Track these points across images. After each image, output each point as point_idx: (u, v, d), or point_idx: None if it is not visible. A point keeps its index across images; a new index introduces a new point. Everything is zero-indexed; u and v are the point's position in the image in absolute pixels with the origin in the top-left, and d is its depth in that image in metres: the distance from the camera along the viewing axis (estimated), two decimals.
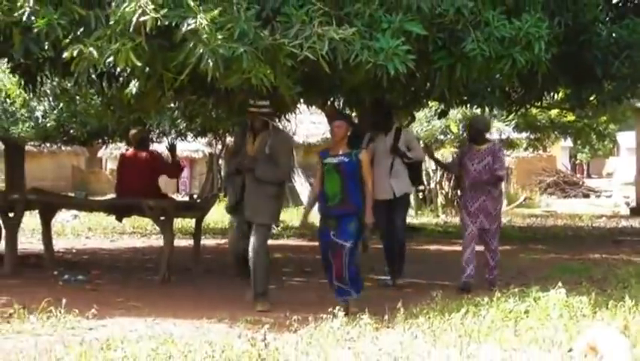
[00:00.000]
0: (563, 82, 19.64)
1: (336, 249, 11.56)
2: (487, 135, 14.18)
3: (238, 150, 12.51)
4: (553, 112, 32.42)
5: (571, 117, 33.41)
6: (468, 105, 26.24)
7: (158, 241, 17.38)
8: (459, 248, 21.08)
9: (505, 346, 8.80)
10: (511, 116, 31.21)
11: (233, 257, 13.00)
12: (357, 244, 12.05)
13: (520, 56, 12.54)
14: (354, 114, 25.90)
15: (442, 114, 29.57)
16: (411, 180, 14.82)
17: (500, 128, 36.34)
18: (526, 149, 40.30)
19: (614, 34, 16.61)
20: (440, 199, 34.84)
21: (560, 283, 10.66)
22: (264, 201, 11.92)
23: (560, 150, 52.86)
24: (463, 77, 13.39)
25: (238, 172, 12.20)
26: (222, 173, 37.85)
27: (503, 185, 14.23)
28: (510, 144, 38.78)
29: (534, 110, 30.28)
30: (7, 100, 31.21)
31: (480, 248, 13.84)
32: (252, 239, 11.94)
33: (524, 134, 37.54)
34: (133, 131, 17.44)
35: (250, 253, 12.01)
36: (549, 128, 36.27)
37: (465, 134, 36.30)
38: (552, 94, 22.89)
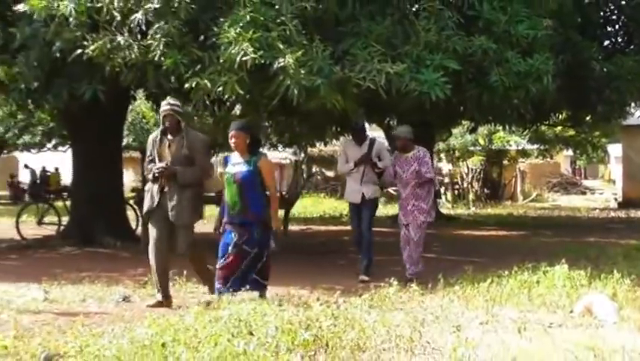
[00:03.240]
0: (565, 105, 19.73)
1: (240, 253, 9.39)
2: (413, 143, 12.04)
3: (153, 154, 9.87)
4: (558, 128, 32.31)
5: (571, 133, 33.32)
6: (492, 123, 26.27)
7: None
8: (486, 233, 21.13)
9: (521, 308, 8.72)
10: (525, 132, 31.11)
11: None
12: (266, 251, 9.55)
13: (533, 86, 12.60)
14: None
15: (472, 130, 29.62)
16: (380, 187, 13.13)
17: (517, 141, 36.12)
18: (536, 157, 39.99)
19: (605, 69, 16.82)
20: (471, 195, 34.58)
21: (563, 260, 10.56)
22: (187, 202, 9.65)
23: (563, 158, 52.40)
24: (488, 102, 13.42)
25: (156, 178, 9.72)
26: (304, 175, 37.85)
27: (431, 187, 11.92)
28: (524, 153, 38.51)
29: (543, 127, 30.12)
30: (143, 119, 31.58)
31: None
32: (179, 240, 9.75)
33: (535, 146, 37.29)
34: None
35: (181, 252, 9.89)
36: (555, 141, 36.20)
37: (489, 146, 36.44)
38: (557, 115, 22.95)
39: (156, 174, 9.69)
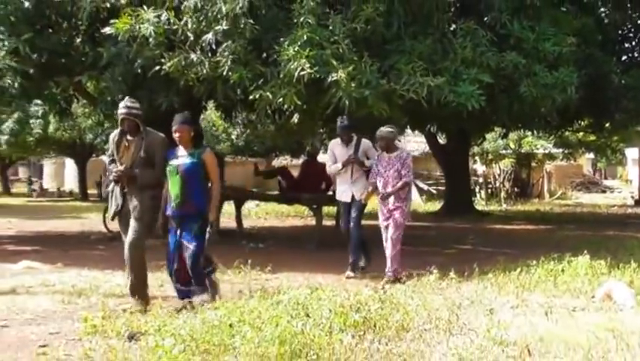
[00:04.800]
0: (587, 113, 19.60)
1: (182, 250, 8.43)
2: (397, 144, 11.21)
3: (113, 157, 8.78)
4: (581, 134, 31.93)
5: (593, 138, 32.93)
6: (522, 130, 26.10)
7: (311, 221, 17.39)
8: (516, 227, 20.95)
9: (548, 294, 8.65)
10: (551, 137, 30.82)
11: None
12: (203, 245, 8.47)
13: (558, 96, 12.51)
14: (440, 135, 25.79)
15: (504, 136, 29.42)
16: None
17: (544, 145, 35.81)
18: (561, 160, 39.52)
19: (622, 81, 16.71)
20: (503, 194, 34.33)
21: (585, 251, 10.44)
22: (148, 202, 8.51)
23: (585, 160, 51.78)
24: (518, 111, 13.39)
25: (117, 181, 8.62)
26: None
27: (410, 189, 10.95)
28: (550, 156, 38.14)
29: (567, 133, 29.82)
30: (213, 127, 31.70)
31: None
32: (131, 231, 8.55)
33: (560, 150, 36.92)
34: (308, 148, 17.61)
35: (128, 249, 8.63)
36: (577, 145, 35.81)
37: (519, 150, 36.17)
38: (580, 122, 22.78)
39: (115, 178, 8.62)
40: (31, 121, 34.15)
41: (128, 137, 8.63)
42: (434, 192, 34.35)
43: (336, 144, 11.66)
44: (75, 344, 6.62)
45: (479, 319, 7.15)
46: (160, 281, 10.32)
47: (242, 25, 11.49)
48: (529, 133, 30.94)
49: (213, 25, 11.61)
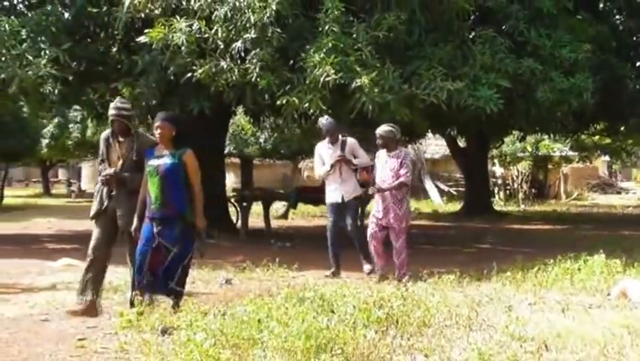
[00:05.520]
0: (602, 117, 19.43)
1: (160, 251, 7.60)
2: (397, 142, 10.47)
3: (104, 158, 8.15)
4: (596, 137, 31.72)
5: (608, 141, 32.71)
6: (539, 133, 26.00)
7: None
8: (533, 227, 20.85)
9: (564, 291, 8.59)
10: (567, 140, 30.68)
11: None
12: (189, 250, 7.82)
13: (574, 101, 12.46)
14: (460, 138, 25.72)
15: (522, 139, 29.30)
16: (361, 184, 11.06)
17: (560, 148, 35.63)
18: (577, 162, 39.29)
19: (637, 86, 16.54)
20: (520, 195, 34.16)
21: (601, 251, 10.35)
22: (135, 208, 7.85)
23: (601, 163, 51.41)
24: (535, 115, 13.34)
25: (105, 183, 8.00)
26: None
27: (407, 191, 10.30)
28: (567, 159, 37.93)
29: (583, 136, 29.62)
30: (242, 131, 31.77)
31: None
32: (130, 246, 7.95)
33: (576, 152, 36.71)
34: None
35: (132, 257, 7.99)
36: (593, 148, 35.56)
37: (536, 152, 35.98)
38: (595, 125, 22.62)
39: (103, 181, 8.04)
40: (70, 125, 34.48)
41: (119, 138, 8.10)
42: (454, 193, 34.27)
43: (322, 146, 11.18)
44: (111, 338, 6.65)
45: (498, 315, 7.11)
46: (191, 278, 10.35)
47: (269, 34, 11.53)
48: (546, 136, 30.74)
49: (242, 33, 11.65)
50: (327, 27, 11.35)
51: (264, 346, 5.67)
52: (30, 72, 12.46)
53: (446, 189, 35.11)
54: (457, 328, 6.62)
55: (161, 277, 7.63)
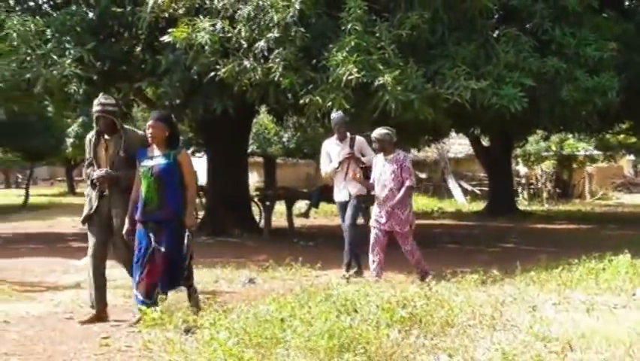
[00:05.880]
0: (627, 116, 19.24)
1: (157, 257, 7.35)
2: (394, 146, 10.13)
3: (91, 160, 7.79)
4: (621, 136, 31.52)
5: (633, 140, 32.45)
6: (563, 132, 25.85)
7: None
8: (558, 226, 20.74)
9: (589, 291, 8.52)
10: (592, 140, 30.53)
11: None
12: (184, 253, 7.50)
13: (599, 100, 12.38)
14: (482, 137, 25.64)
15: (546, 138, 29.18)
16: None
17: (585, 147, 35.47)
18: (602, 161, 39.07)
19: None
20: (545, 194, 34.02)
21: (626, 250, 10.27)
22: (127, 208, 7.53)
23: (626, 162, 51.04)
24: (560, 114, 13.26)
25: (94, 184, 7.65)
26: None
27: (411, 194, 10.05)
28: (592, 159, 37.72)
29: (608, 135, 29.45)
30: (265, 130, 31.83)
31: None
32: (120, 247, 7.71)
33: (601, 152, 36.50)
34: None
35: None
36: (618, 147, 35.33)
37: (560, 152, 35.80)
38: (620, 124, 22.44)
39: (95, 182, 7.66)
40: (94, 125, 34.63)
41: (106, 136, 7.74)
42: (478, 192, 34.19)
43: (329, 143, 11.02)
44: (135, 336, 6.69)
45: (522, 315, 7.08)
46: (215, 277, 10.39)
47: (292, 33, 11.54)
48: (571, 135, 30.61)
49: (265, 33, 11.67)
50: (349, 26, 11.34)
51: (287, 345, 5.67)
52: (55, 72, 12.55)
53: (470, 188, 35.04)
54: (481, 328, 6.59)
55: (165, 281, 7.41)
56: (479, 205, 28.89)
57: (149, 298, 7.21)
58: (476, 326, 6.62)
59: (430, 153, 35.64)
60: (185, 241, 7.42)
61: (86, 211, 7.75)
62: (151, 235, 7.33)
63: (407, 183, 9.85)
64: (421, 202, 31.60)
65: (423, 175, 39.49)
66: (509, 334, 6.31)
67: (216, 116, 13.75)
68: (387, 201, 9.89)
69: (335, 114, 10.93)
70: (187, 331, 6.52)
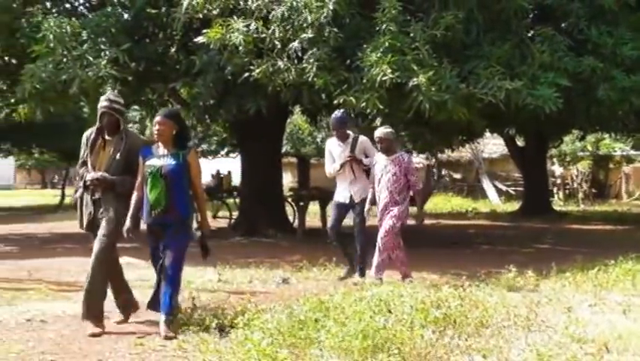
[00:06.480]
0: None
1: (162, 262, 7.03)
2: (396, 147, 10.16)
3: (85, 160, 7.32)
4: None
5: None
6: (599, 132, 25.60)
7: None
8: (593, 227, 20.54)
9: (626, 293, 8.46)
10: (628, 140, 30.20)
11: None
12: (181, 258, 7.10)
13: (636, 100, 12.20)
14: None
15: (581, 138, 28.92)
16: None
17: (622, 148, 35.13)
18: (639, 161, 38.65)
19: None
20: (580, 194, 33.74)
21: None
22: (121, 213, 7.05)
23: None
24: (596, 114, 13.15)
25: (86, 187, 7.16)
26: (435, 177, 37.58)
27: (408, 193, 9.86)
28: (628, 159, 37.30)
29: None
30: (299, 130, 31.91)
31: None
32: (104, 253, 7.12)
33: (638, 152, 36.10)
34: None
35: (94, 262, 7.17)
36: None
37: (596, 152, 35.48)
38: None
39: (89, 185, 7.16)
40: (129, 125, 34.95)
41: (106, 136, 7.27)
42: (512, 192, 34.00)
43: (332, 143, 10.68)
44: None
45: (557, 316, 7.04)
46: (249, 277, 10.42)
47: (326, 34, 11.56)
48: (607, 135, 30.29)
49: (299, 33, 11.69)
50: (384, 26, 11.33)
51: (321, 345, 5.69)
52: (90, 73, 12.65)
53: (504, 188, 34.86)
54: (516, 328, 6.57)
55: (167, 290, 6.98)
56: (514, 206, 28.74)
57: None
58: (511, 327, 6.60)
59: (464, 153, 35.46)
60: (203, 244, 7.27)
61: (86, 218, 7.28)
62: (161, 242, 7.03)
63: (416, 187, 9.90)
64: (455, 203, 31.54)
65: (457, 175, 39.38)
66: (544, 335, 6.29)
67: (250, 116, 13.81)
68: (388, 205, 9.76)
69: (333, 115, 10.63)
70: (221, 331, 6.56)
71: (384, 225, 9.78)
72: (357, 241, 10.34)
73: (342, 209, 10.51)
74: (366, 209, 10.17)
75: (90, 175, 7.12)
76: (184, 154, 7.08)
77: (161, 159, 7.04)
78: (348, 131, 10.63)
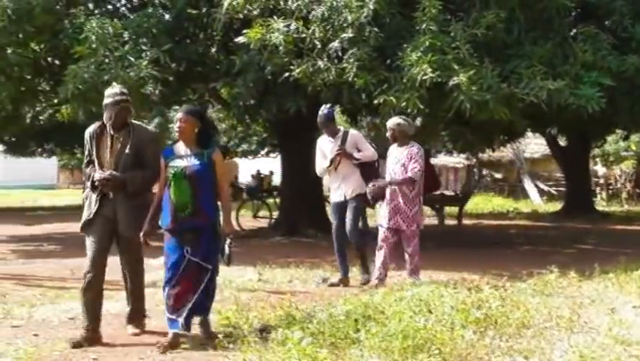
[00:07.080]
0: None
1: (192, 270, 6.54)
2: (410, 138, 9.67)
3: (92, 158, 6.95)
4: None
5: None
6: None
7: (432, 220, 17.24)
8: (637, 228, 20.28)
9: None
10: None
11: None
12: (216, 265, 6.73)
13: None
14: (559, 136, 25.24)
15: (625, 138, 28.57)
16: (366, 179, 9.83)
17: None
18: None
19: None
20: (624, 195, 33.35)
21: None
22: (137, 212, 6.75)
23: None
24: None
25: (94, 186, 6.78)
26: (476, 177, 37.38)
27: (419, 191, 9.45)
28: None
29: None
30: None
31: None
32: (127, 255, 7.19)
33: None
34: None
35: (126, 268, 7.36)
36: None
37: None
38: None
39: (97, 185, 6.78)
40: (170, 125, 35.18)
41: (111, 131, 6.85)
42: (554, 192, 33.72)
43: (323, 141, 10.29)
44: (210, 335, 6.76)
45: (600, 318, 6.97)
46: (289, 277, 10.46)
47: (367, 33, 11.56)
48: None
49: (339, 33, 11.70)
50: (424, 26, 11.30)
51: (361, 345, 5.70)
52: (132, 73, 12.77)
53: (546, 188, 34.58)
54: (558, 330, 6.51)
55: (198, 300, 6.59)
56: (556, 206, 28.48)
57: (179, 316, 6.49)
58: (553, 328, 6.55)
59: (505, 153, 35.23)
60: (227, 250, 6.75)
61: (85, 217, 6.88)
62: (187, 247, 6.55)
63: (408, 173, 9.38)
64: (497, 203, 31.33)
65: (498, 175, 39.13)
66: (587, 337, 6.22)
67: (290, 116, 13.85)
68: (395, 198, 9.48)
69: (319, 112, 10.24)
70: (262, 330, 6.58)
71: (403, 232, 9.50)
72: (351, 239, 10.02)
73: (341, 209, 10.13)
74: (377, 206, 9.98)
75: (98, 174, 6.78)
76: (209, 153, 6.70)
77: (184, 159, 6.66)
78: (339, 127, 10.41)
